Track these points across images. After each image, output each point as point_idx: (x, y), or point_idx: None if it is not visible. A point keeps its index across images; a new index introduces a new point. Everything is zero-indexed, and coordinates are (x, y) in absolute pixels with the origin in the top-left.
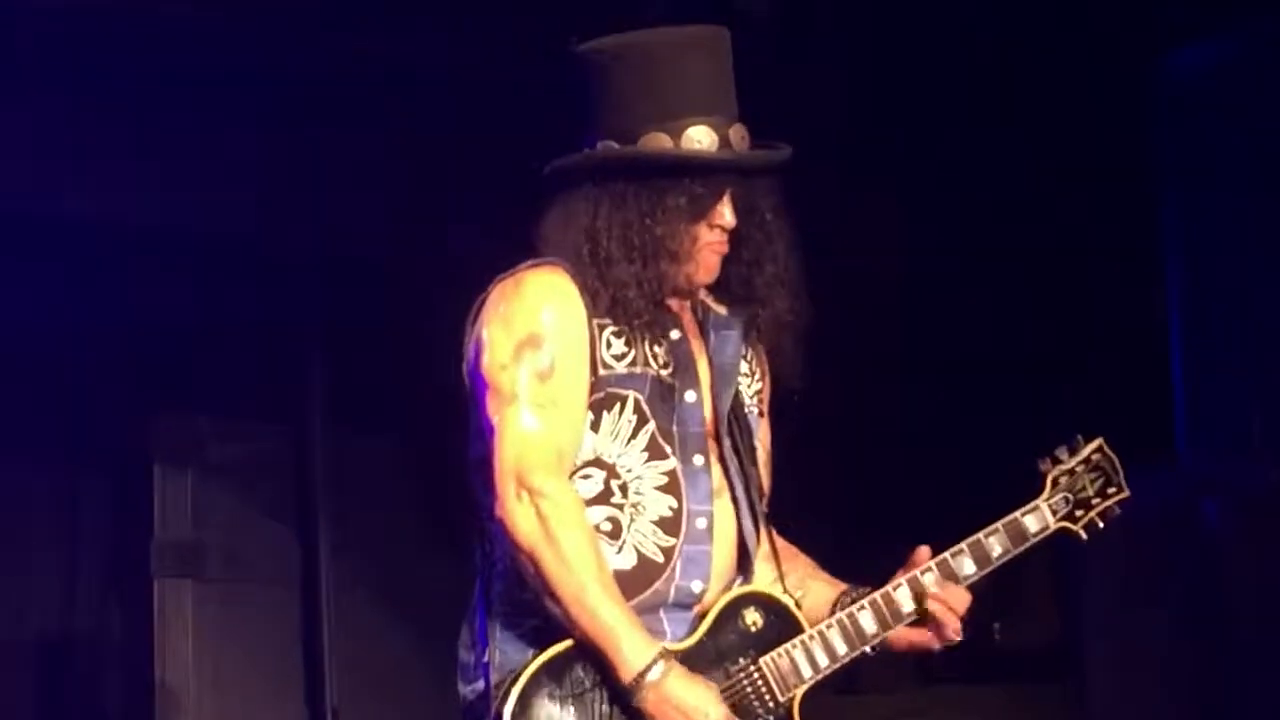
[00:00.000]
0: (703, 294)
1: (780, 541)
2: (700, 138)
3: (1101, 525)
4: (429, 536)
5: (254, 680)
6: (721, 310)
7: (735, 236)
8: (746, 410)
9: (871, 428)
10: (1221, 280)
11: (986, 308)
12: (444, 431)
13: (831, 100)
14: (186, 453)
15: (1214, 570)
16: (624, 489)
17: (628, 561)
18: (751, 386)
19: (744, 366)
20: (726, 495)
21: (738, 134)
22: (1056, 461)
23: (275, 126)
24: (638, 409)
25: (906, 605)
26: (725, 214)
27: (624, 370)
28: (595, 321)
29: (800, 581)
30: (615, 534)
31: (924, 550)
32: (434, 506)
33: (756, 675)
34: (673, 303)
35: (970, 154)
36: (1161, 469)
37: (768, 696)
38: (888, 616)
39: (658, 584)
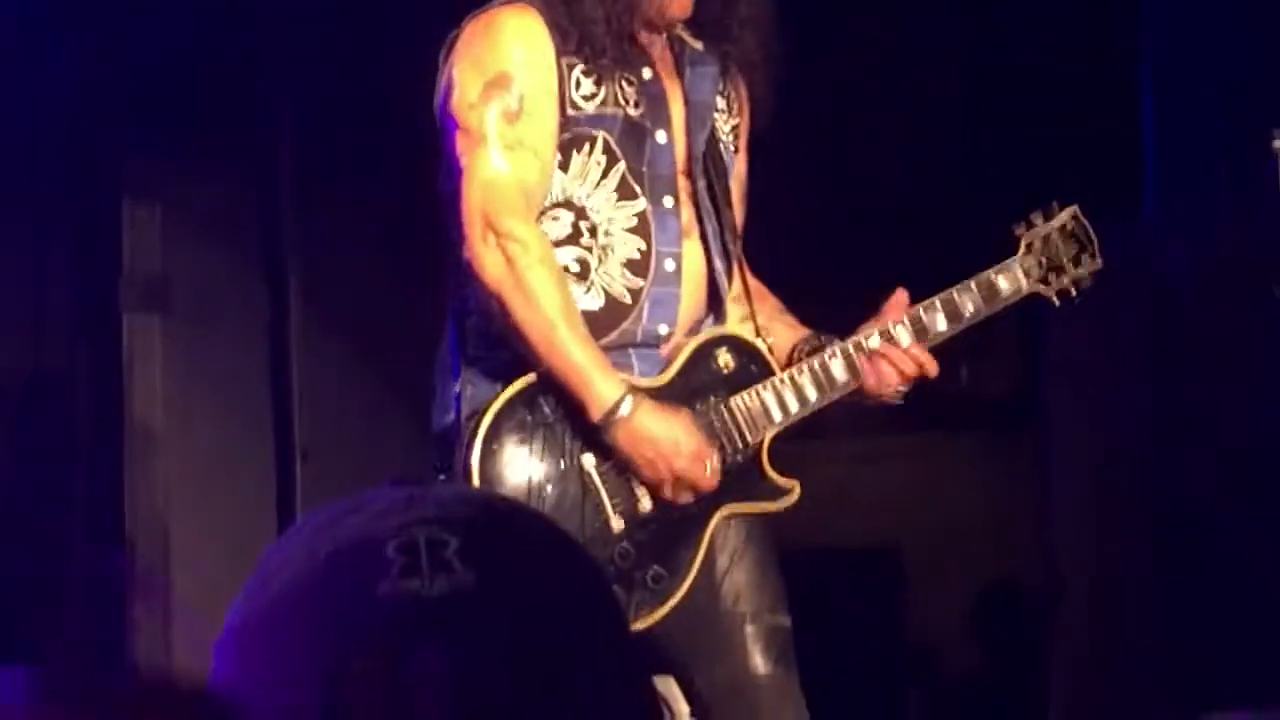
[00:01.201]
0: (680, 28)
1: (751, 281)
2: None
3: (1074, 294)
4: (400, 276)
5: (224, 418)
6: (698, 46)
7: None
8: (723, 147)
9: (839, 181)
10: (1190, 31)
11: (954, 58)
12: (417, 172)
13: None
14: (156, 190)
15: (1177, 320)
16: (593, 230)
17: (595, 302)
18: (729, 122)
19: (720, 102)
20: (696, 236)
21: None
22: (1030, 225)
23: None
24: (607, 149)
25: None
26: None
27: (594, 110)
28: (565, 60)
29: (766, 322)
30: (583, 275)
31: (901, 294)
32: (405, 247)
33: (727, 415)
34: (646, 37)
35: None
36: (1128, 218)
37: (737, 437)
38: (858, 364)
39: (625, 324)
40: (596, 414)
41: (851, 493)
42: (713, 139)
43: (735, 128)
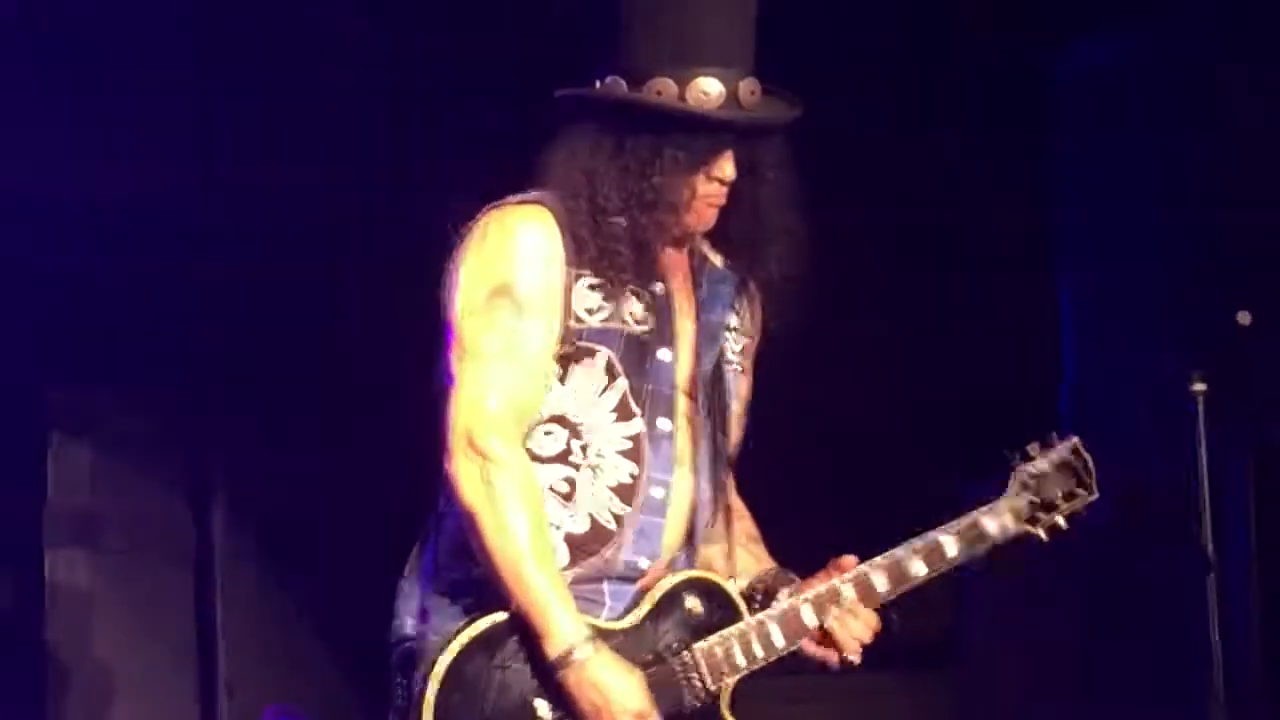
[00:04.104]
0: (703, 244)
1: (735, 502)
2: (708, 89)
3: (1065, 527)
4: (325, 509)
5: (147, 655)
6: (718, 262)
7: (736, 188)
8: (729, 369)
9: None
10: (1111, 273)
11: (876, 302)
12: (344, 406)
13: None
14: (82, 422)
15: (1099, 564)
16: (585, 449)
17: (580, 526)
18: (739, 342)
19: (734, 320)
20: (689, 462)
21: (748, 88)
22: (1027, 458)
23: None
24: (609, 366)
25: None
26: (726, 168)
27: (598, 324)
28: (574, 271)
29: (736, 549)
30: (570, 496)
31: (848, 560)
32: (331, 480)
33: (690, 661)
34: (667, 251)
35: (868, 146)
36: None
37: (698, 684)
38: (829, 611)
39: (606, 553)
40: (553, 652)
41: None
42: (720, 360)
43: (744, 348)
